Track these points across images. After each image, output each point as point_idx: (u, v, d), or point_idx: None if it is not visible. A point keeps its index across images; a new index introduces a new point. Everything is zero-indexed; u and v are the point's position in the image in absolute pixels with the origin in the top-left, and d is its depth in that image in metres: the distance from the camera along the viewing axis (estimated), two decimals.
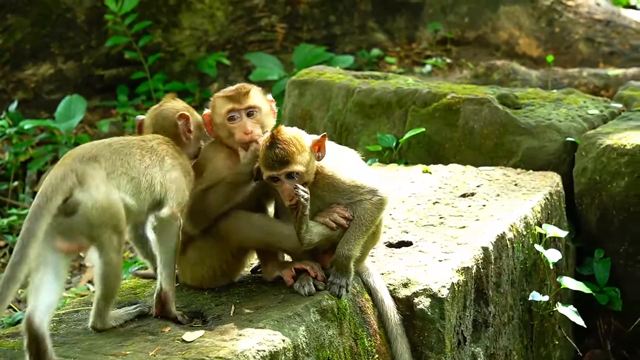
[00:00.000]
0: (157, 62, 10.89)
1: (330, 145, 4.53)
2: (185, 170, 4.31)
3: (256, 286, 4.47)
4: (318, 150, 4.40)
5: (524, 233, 5.41)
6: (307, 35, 11.38)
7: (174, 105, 4.52)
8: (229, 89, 4.54)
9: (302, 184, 4.27)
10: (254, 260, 4.68)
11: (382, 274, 4.68)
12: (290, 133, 4.36)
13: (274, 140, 4.29)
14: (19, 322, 6.38)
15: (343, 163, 4.52)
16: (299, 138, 4.35)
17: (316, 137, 4.43)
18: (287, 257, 4.58)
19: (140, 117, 4.56)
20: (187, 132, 4.44)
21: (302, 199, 4.19)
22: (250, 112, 4.48)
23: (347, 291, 4.38)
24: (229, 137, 4.47)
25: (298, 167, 4.27)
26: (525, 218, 5.45)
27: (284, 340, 3.96)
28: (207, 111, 4.54)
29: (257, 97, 4.54)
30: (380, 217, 4.46)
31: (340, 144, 6.89)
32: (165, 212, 4.11)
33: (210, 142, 4.57)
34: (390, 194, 4.51)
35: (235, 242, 4.41)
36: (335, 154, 4.54)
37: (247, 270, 4.72)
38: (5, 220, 8.84)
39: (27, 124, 9.62)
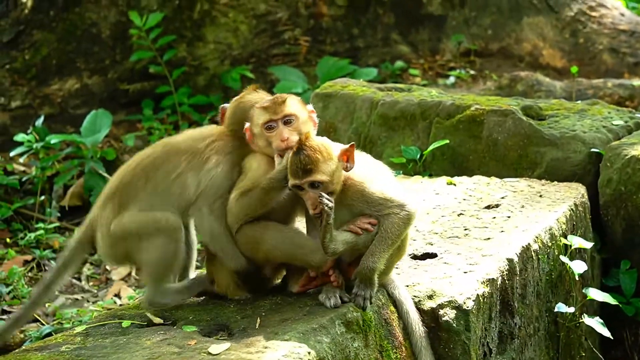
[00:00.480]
0: (181, 76, 10.94)
1: (362, 156, 4.53)
2: (232, 164, 4.39)
3: (281, 298, 4.48)
4: (347, 160, 4.39)
5: (549, 244, 5.40)
6: (330, 48, 11.40)
7: (252, 97, 4.58)
8: (266, 100, 4.57)
9: (328, 193, 4.26)
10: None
11: (407, 285, 4.69)
12: (318, 141, 4.37)
13: (300, 147, 4.30)
14: (47, 335, 6.44)
15: (374, 175, 4.50)
16: (326, 146, 4.37)
17: (345, 146, 4.43)
18: None
19: (225, 105, 4.66)
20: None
21: (326, 208, 4.18)
22: (287, 120, 4.51)
23: (371, 303, 4.38)
24: (267, 147, 4.49)
25: (321, 177, 4.27)
26: (550, 229, 5.44)
27: (309, 353, 3.97)
28: (247, 125, 4.54)
29: (293, 105, 4.57)
30: (406, 231, 4.47)
31: None
32: (192, 209, 4.27)
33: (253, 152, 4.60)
34: (418, 210, 4.50)
35: (262, 253, 4.43)
36: (367, 165, 4.54)
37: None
38: (32, 235, 8.89)
39: (53, 139, 9.67)
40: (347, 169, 4.40)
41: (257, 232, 4.42)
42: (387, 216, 4.39)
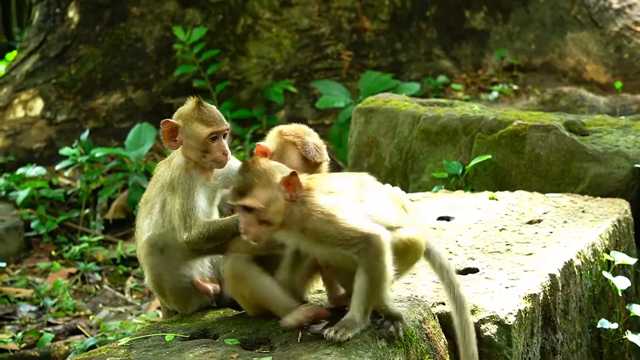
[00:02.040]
0: (224, 90, 11.02)
1: (339, 179, 4.29)
2: None
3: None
4: (290, 190, 4.08)
5: (592, 260, 5.38)
6: (373, 63, 11.43)
7: None
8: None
9: (264, 222, 4.08)
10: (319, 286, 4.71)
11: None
12: (263, 165, 4.12)
13: (243, 167, 4.13)
14: (91, 348, 6.50)
15: (341, 203, 4.15)
16: (270, 173, 4.10)
17: (285, 174, 4.11)
18: None
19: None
20: None
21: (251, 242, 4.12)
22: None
23: (399, 334, 4.25)
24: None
25: (252, 203, 4.05)
26: (593, 245, 5.42)
27: None
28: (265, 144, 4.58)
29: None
30: (386, 261, 4.12)
31: (406, 171, 7.00)
32: None
33: None
34: (384, 236, 4.10)
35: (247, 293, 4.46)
36: (340, 190, 4.22)
37: (313, 295, 4.75)
38: (77, 248, 8.98)
39: (98, 152, 9.78)
40: (291, 199, 4.10)
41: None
42: (359, 254, 4.10)
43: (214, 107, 4.58)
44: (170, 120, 4.55)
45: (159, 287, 4.62)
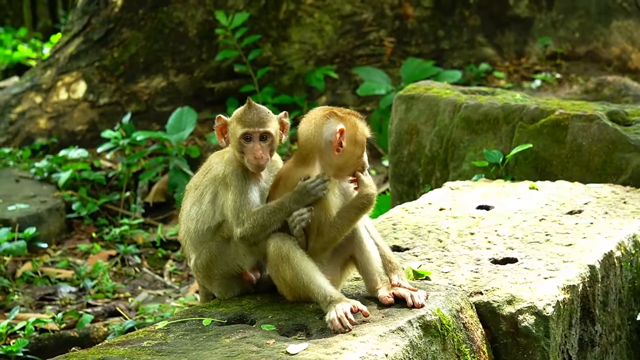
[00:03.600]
0: (266, 76, 11.03)
1: None
2: None
3: (360, 299, 4.49)
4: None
5: (633, 252, 5.33)
6: (415, 50, 11.39)
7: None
8: (359, 114, 4.57)
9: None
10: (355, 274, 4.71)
11: (487, 290, 4.67)
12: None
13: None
14: (129, 330, 6.55)
15: None
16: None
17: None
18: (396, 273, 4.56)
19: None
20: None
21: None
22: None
23: None
24: (355, 160, 4.50)
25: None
26: (634, 237, 5.37)
27: (386, 355, 3.98)
28: (340, 126, 4.47)
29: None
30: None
31: (446, 159, 7.00)
32: None
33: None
34: None
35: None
36: None
37: (350, 283, 4.75)
38: (117, 230, 9.05)
39: (139, 136, 9.83)
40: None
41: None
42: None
43: (263, 109, 4.52)
44: (222, 116, 4.57)
45: (208, 274, 4.63)
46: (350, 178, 4.49)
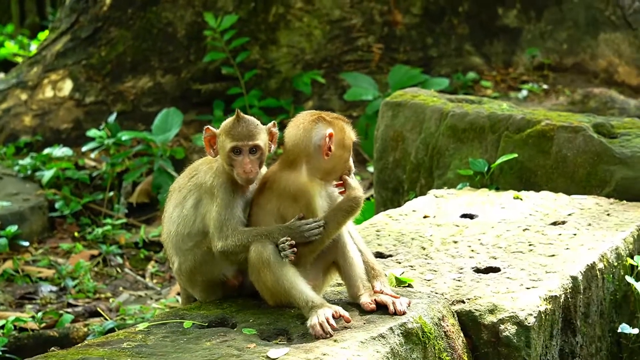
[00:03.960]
0: (253, 79, 11.01)
1: None
2: None
3: (342, 305, 4.48)
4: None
5: (615, 264, 5.34)
6: (403, 57, 11.39)
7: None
8: (346, 119, 4.57)
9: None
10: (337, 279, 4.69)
11: (469, 299, 4.67)
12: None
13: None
14: (110, 330, 6.52)
15: None
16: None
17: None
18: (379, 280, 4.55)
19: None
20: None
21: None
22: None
23: None
24: (342, 164, 4.50)
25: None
26: (616, 249, 5.38)
27: None
28: (330, 130, 4.44)
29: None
30: None
31: (432, 167, 6.99)
32: None
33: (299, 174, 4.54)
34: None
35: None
36: None
37: (332, 288, 4.74)
38: (100, 230, 9.02)
39: (124, 135, 9.80)
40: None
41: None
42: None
43: (253, 121, 4.48)
44: (210, 127, 4.52)
45: (191, 279, 4.61)
46: (336, 182, 4.49)
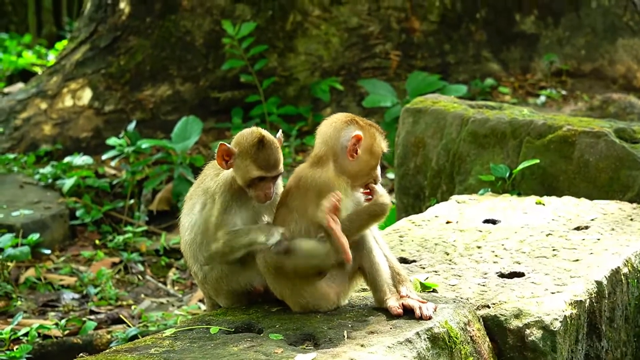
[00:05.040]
0: (271, 86, 11.04)
1: None
2: None
3: (368, 311, 4.50)
4: None
5: (639, 269, 5.33)
6: (420, 63, 11.41)
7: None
8: (379, 128, 4.58)
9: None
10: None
11: (494, 304, 4.67)
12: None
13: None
14: (133, 337, 6.54)
15: None
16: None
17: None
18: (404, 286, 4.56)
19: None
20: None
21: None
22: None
23: None
24: (369, 170, 4.52)
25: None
26: None
27: None
28: (359, 132, 4.46)
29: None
30: None
31: (453, 173, 7.00)
32: None
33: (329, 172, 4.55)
34: None
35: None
36: None
37: (357, 294, 4.75)
38: (120, 238, 9.04)
39: (144, 144, 9.83)
40: None
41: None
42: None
43: (276, 146, 4.48)
44: (227, 145, 4.48)
45: (217, 288, 4.62)
46: (363, 190, 4.50)
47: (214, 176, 4.59)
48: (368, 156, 4.47)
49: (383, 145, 4.53)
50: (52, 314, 7.68)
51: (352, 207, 4.45)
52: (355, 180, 4.48)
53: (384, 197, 4.44)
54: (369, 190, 4.49)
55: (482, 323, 4.59)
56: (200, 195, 4.61)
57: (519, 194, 6.56)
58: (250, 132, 4.51)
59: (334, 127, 4.48)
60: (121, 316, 7.52)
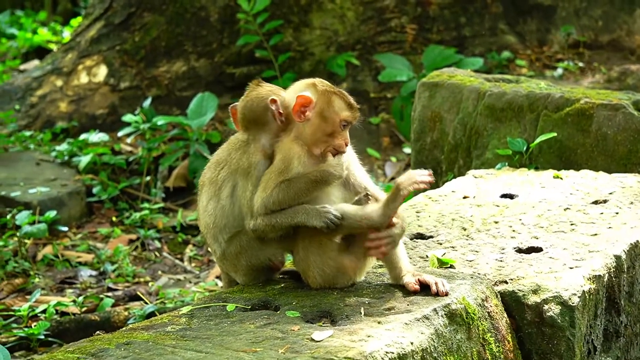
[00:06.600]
0: (287, 61, 11.00)
1: None
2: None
3: (385, 287, 4.48)
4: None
5: None
6: (436, 37, 11.34)
7: (259, 92, 4.58)
8: (348, 96, 4.50)
9: None
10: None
11: (512, 279, 4.65)
12: None
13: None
14: (150, 314, 6.55)
15: None
16: None
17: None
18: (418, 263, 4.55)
19: (235, 104, 4.68)
20: (279, 115, 4.48)
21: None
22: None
23: None
24: (324, 137, 4.44)
25: None
26: None
27: (412, 343, 3.96)
28: (307, 94, 4.43)
29: None
30: None
31: (470, 147, 6.95)
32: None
33: (290, 136, 4.51)
34: None
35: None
36: None
37: (374, 270, 4.73)
38: (137, 214, 9.05)
39: (160, 120, 9.82)
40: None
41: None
42: None
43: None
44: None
45: (235, 263, 4.61)
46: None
47: (242, 154, 4.53)
48: (319, 120, 4.39)
49: (344, 113, 4.42)
50: (70, 291, 7.70)
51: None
52: (313, 145, 4.42)
53: (333, 166, 4.37)
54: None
55: (500, 299, 4.57)
56: (227, 178, 4.53)
57: (537, 168, 6.52)
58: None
59: (293, 89, 4.48)
60: (138, 293, 7.53)
